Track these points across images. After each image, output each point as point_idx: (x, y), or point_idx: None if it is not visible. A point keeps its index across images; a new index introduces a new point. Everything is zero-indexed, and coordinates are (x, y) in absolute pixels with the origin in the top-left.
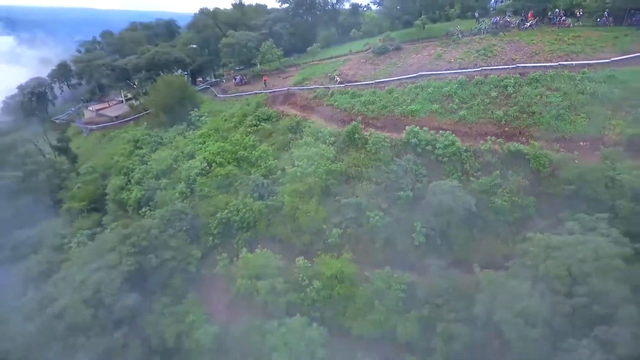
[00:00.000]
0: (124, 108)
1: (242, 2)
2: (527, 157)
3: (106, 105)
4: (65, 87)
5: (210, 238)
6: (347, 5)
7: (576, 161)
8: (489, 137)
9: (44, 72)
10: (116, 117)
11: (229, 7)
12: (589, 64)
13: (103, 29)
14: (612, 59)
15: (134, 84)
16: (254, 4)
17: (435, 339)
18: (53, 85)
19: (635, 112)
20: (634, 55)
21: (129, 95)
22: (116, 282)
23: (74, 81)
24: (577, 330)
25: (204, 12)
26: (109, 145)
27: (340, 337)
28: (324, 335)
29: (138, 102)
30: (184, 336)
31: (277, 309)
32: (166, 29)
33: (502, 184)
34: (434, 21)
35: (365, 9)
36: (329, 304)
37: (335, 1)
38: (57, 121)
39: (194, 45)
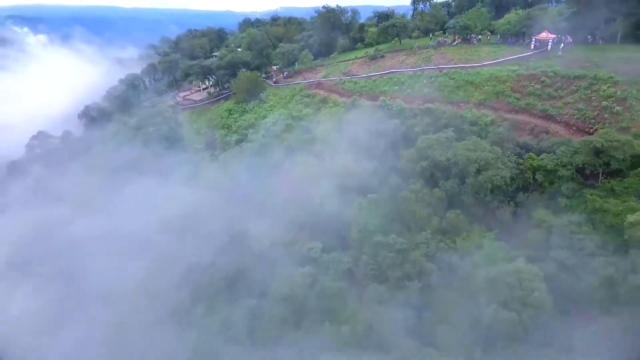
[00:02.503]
0: (203, 94)
1: (284, 17)
2: (433, 110)
3: (189, 92)
4: (152, 81)
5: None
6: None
7: (455, 111)
8: (417, 101)
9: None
10: (199, 100)
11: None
12: (472, 66)
13: (128, 27)
14: (483, 63)
15: (213, 77)
16: (287, 17)
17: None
18: (144, 79)
19: (483, 89)
20: (496, 60)
21: (205, 85)
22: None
23: (157, 76)
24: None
25: (247, 22)
26: (199, 117)
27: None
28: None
29: (215, 90)
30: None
31: None
32: (217, 35)
33: (420, 122)
34: (410, 37)
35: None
36: None
37: (348, 22)
38: (147, 105)
39: (244, 51)
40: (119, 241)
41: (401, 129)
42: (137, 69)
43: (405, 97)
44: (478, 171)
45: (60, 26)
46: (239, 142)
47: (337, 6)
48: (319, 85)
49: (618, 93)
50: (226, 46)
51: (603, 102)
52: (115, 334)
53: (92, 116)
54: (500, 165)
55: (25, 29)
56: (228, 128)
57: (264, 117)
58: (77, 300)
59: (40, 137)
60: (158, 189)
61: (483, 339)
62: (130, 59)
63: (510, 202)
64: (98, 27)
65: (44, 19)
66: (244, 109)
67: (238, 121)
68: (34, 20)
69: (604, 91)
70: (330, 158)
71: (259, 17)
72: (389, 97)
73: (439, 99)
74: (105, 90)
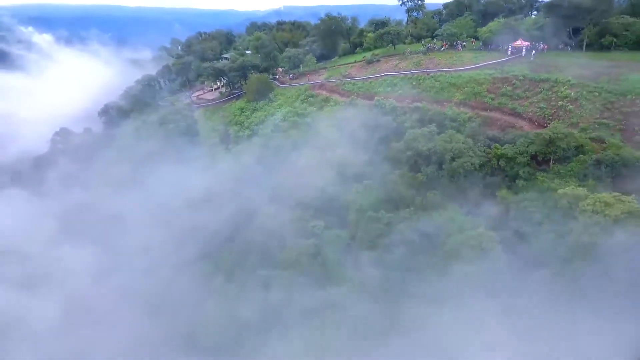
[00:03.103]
0: (215, 94)
1: (289, 22)
2: (420, 108)
3: (201, 92)
4: (166, 81)
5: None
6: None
7: (439, 109)
8: (407, 101)
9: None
10: (212, 99)
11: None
12: (455, 70)
13: (132, 26)
14: (465, 67)
15: (225, 78)
16: (293, 21)
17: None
18: (159, 79)
19: (463, 90)
20: (476, 65)
21: (216, 86)
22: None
23: (171, 77)
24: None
25: (254, 25)
26: (212, 114)
27: None
28: None
29: (226, 90)
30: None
31: None
32: (226, 38)
33: (409, 119)
34: (404, 42)
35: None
36: None
37: (349, 27)
38: (161, 104)
39: (253, 54)
40: (150, 217)
41: (393, 124)
42: (147, 69)
43: (397, 97)
44: (453, 159)
45: (65, 25)
46: (250, 136)
47: (338, 13)
48: (321, 86)
49: (572, 94)
50: (235, 48)
51: (559, 102)
52: (151, 287)
53: (111, 114)
54: (471, 154)
55: (30, 29)
56: (240, 124)
57: (273, 114)
58: (119, 260)
59: (62, 133)
60: (181, 177)
61: (453, 290)
62: (140, 59)
63: (479, 184)
64: (103, 26)
65: (48, 18)
66: (255, 107)
67: (250, 118)
68: (38, 19)
69: (561, 92)
70: (330, 150)
71: (262, 17)
72: (383, 97)
73: (426, 99)
74: (115, 89)
